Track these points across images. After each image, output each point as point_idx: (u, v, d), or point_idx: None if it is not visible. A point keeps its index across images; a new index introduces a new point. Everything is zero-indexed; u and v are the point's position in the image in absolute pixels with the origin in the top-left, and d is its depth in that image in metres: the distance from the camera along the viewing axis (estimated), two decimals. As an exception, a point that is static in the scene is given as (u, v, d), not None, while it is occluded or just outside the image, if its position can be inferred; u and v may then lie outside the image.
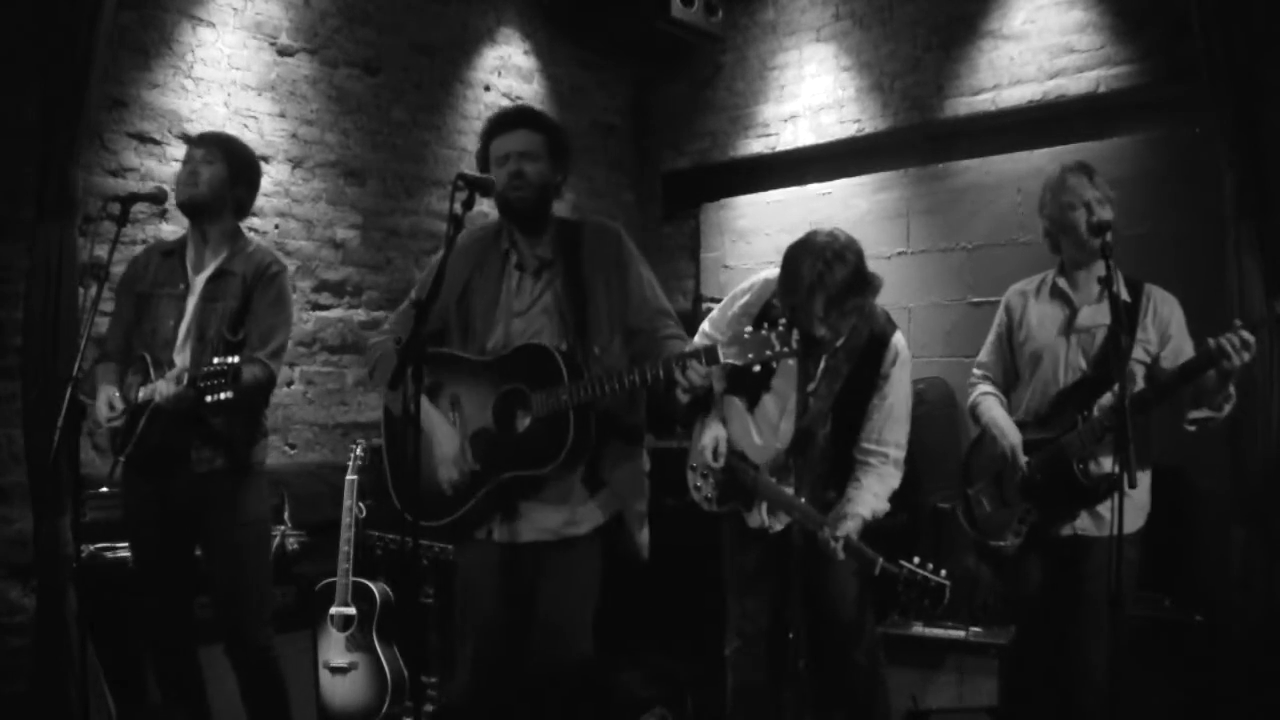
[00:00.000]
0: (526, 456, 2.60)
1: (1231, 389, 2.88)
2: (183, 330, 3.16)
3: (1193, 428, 2.99)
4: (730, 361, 2.42)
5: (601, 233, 2.82)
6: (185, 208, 3.21)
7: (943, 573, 2.85)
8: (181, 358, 3.12)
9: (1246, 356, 2.76)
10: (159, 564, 3.19)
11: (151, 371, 3.07)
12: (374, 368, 2.91)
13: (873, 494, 3.06)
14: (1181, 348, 3.06)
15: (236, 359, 2.85)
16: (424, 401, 2.52)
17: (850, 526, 2.94)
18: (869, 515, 3.02)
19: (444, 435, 2.69)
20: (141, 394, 3.03)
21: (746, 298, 3.21)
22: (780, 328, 2.37)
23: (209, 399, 2.81)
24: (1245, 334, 2.75)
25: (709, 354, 2.45)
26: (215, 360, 2.85)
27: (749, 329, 2.41)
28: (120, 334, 3.27)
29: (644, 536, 2.82)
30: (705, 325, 3.36)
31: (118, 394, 3.09)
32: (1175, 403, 2.98)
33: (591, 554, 2.76)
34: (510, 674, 2.78)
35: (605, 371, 2.60)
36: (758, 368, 2.38)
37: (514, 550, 2.74)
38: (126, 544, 3.52)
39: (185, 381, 2.87)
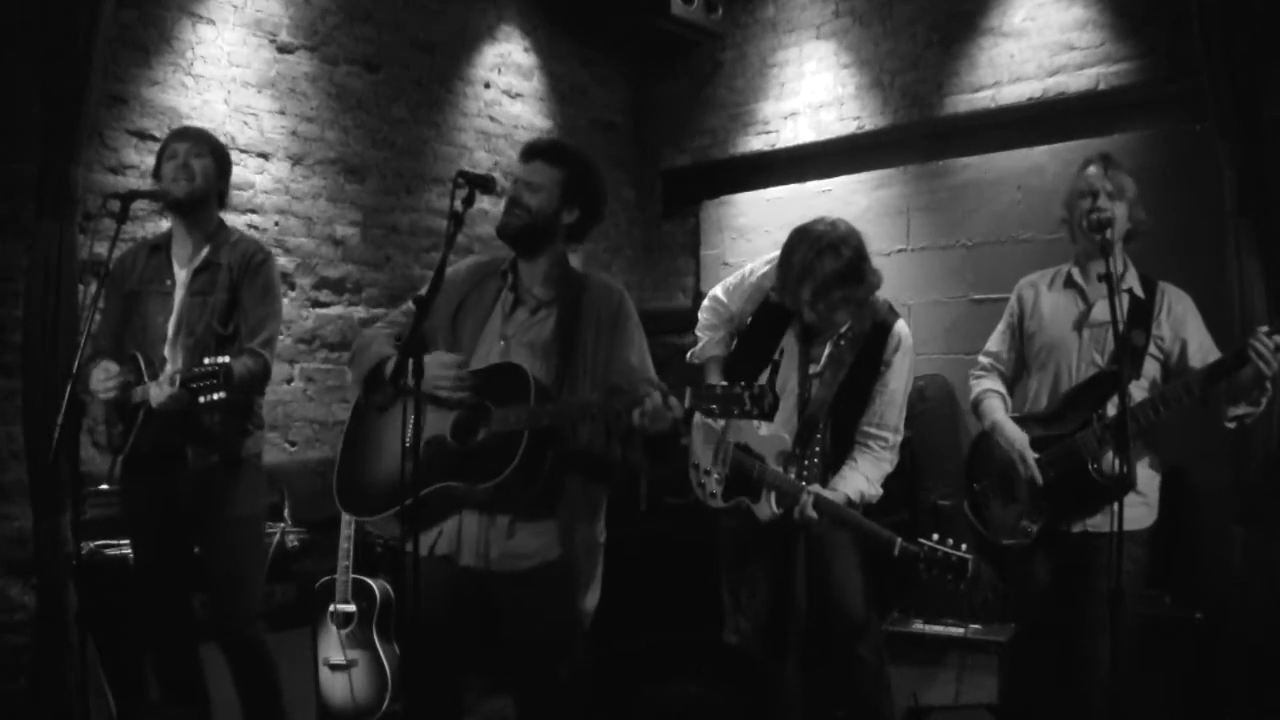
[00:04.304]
0: (469, 469, 2.54)
1: (1268, 383, 2.87)
2: (171, 327, 3.16)
3: (1233, 424, 2.98)
4: (695, 408, 2.39)
5: (605, 289, 2.79)
6: (182, 203, 3.19)
7: (964, 546, 2.83)
8: (173, 355, 3.13)
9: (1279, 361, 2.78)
10: (159, 562, 3.20)
11: (144, 371, 3.07)
12: (355, 354, 2.87)
13: (864, 476, 3.08)
14: (1205, 345, 3.03)
15: (227, 359, 2.85)
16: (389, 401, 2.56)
17: (826, 493, 2.97)
18: (855, 496, 3.04)
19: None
20: (136, 395, 3.03)
21: (766, 269, 3.22)
22: (755, 390, 2.31)
23: (202, 399, 2.81)
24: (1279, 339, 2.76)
25: (674, 397, 2.40)
26: (206, 361, 2.84)
27: (724, 383, 2.37)
28: (110, 333, 3.26)
29: (589, 602, 2.71)
30: (717, 290, 3.36)
31: (115, 366, 3.07)
32: (1212, 401, 2.97)
33: (556, 581, 2.66)
34: (444, 693, 2.75)
35: (566, 404, 2.56)
36: (721, 423, 2.37)
37: (465, 574, 2.65)
38: (127, 542, 3.52)
39: (177, 384, 2.87)
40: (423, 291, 2.52)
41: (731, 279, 3.35)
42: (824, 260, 2.92)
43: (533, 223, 2.69)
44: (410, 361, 2.36)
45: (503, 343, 2.71)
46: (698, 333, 3.41)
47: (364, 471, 2.73)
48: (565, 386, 2.63)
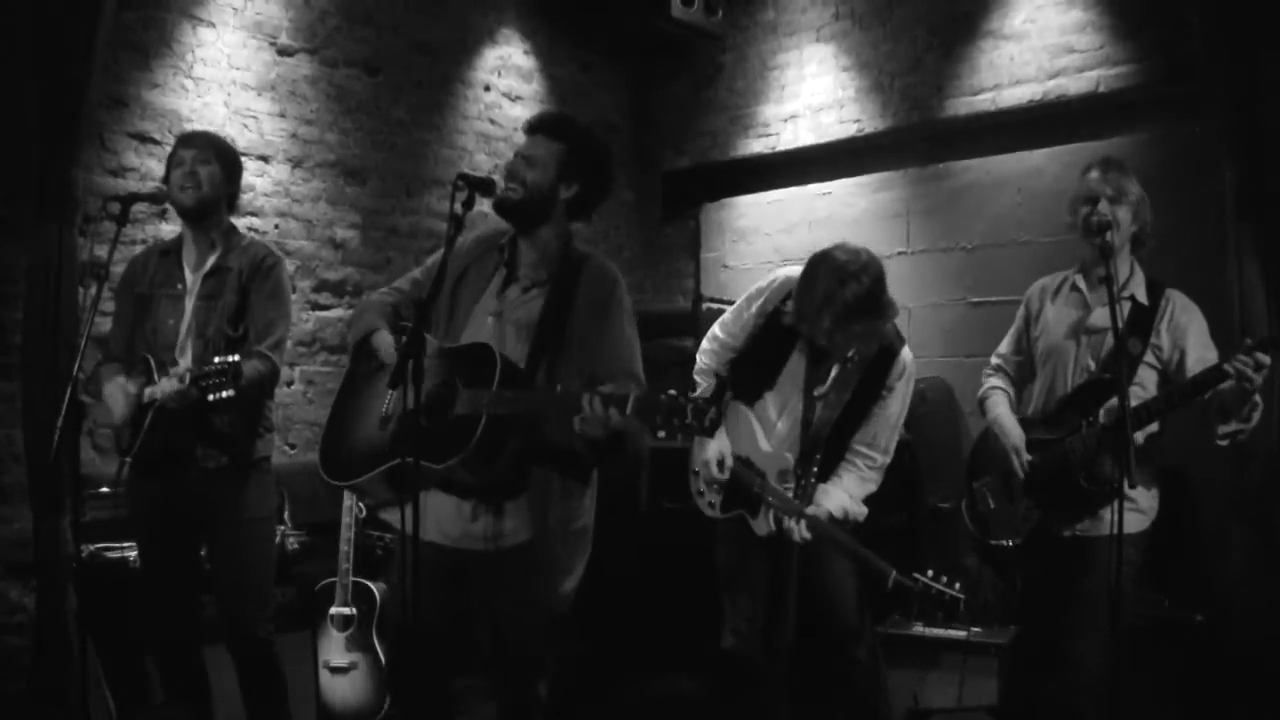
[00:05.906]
0: (429, 448, 2.48)
1: (1257, 398, 2.83)
2: (183, 330, 3.17)
3: (1224, 442, 2.93)
4: (633, 419, 2.29)
5: (600, 273, 2.73)
6: (191, 211, 3.21)
7: (957, 585, 2.86)
8: (184, 358, 3.14)
9: (1261, 378, 2.74)
10: (165, 563, 3.20)
11: (155, 373, 3.08)
12: (352, 320, 2.89)
13: (848, 493, 3.08)
14: (1205, 359, 2.98)
15: (237, 357, 2.86)
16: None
17: (814, 511, 2.98)
18: (838, 513, 3.03)
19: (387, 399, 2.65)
20: (145, 395, 3.04)
21: (764, 298, 3.20)
22: (700, 404, 2.20)
23: (211, 398, 2.82)
24: (1261, 355, 2.72)
25: (618, 402, 2.31)
26: (216, 359, 2.85)
27: (670, 391, 2.29)
28: (122, 336, 3.27)
29: (565, 586, 2.65)
30: (716, 329, 3.32)
31: (129, 382, 3.08)
32: (1203, 418, 2.95)
33: (521, 565, 2.62)
34: (428, 678, 2.71)
35: (522, 396, 2.52)
36: (661, 434, 2.27)
37: (430, 550, 2.60)
38: (130, 543, 3.53)
39: (187, 381, 2.87)
40: (415, 273, 2.48)
41: (728, 315, 3.30)
42: (846, 289, 2.87)
43: (528, 197, 2.66)
44: (410, 363, 2.35)
45: (491, 319, 2.68)
46: (696, 376, 3.34)
47: (345, 437, 2.72)
48: (545, 369, 2.59)
